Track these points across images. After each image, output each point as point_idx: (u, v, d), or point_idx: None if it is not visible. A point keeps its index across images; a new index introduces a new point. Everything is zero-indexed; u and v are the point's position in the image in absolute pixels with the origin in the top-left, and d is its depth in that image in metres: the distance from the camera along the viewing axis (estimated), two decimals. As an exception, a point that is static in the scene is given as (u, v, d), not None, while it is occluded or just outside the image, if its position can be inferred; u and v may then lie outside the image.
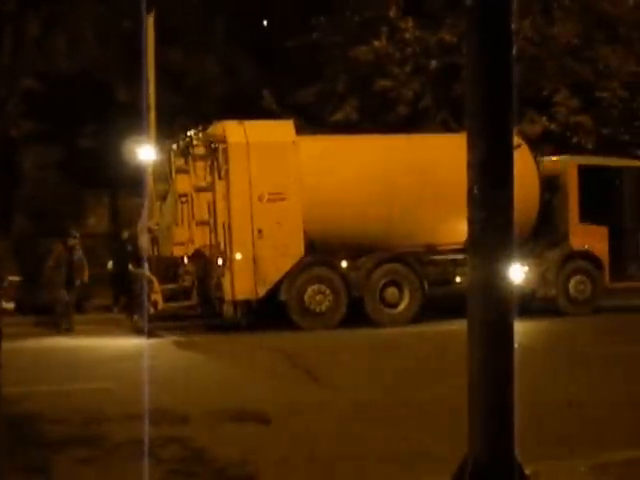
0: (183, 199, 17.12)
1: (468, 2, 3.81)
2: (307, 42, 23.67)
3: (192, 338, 16.39)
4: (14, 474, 7.27)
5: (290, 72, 24.30)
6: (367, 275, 17.22)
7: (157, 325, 16.73)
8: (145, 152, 17.81)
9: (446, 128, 22.04)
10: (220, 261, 16.43)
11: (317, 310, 16.89)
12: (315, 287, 16.93)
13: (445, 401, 9.32)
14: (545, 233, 18.71)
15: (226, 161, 16.43)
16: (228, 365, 13.51)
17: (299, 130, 17.33)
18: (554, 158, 19.93)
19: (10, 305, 20.60)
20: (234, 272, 16.25)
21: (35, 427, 9.02)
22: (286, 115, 19.98)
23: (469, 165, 3.89)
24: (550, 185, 18.96)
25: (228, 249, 16.35)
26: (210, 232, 16.76)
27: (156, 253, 17.69)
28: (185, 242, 16.94)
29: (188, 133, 17.57)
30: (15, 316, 19.68)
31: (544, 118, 22.90)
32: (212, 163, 16.68)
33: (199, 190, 16.95)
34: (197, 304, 17.85)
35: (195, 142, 17.11)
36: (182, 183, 17.09)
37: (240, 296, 16.40)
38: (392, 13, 23.11)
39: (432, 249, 17.65)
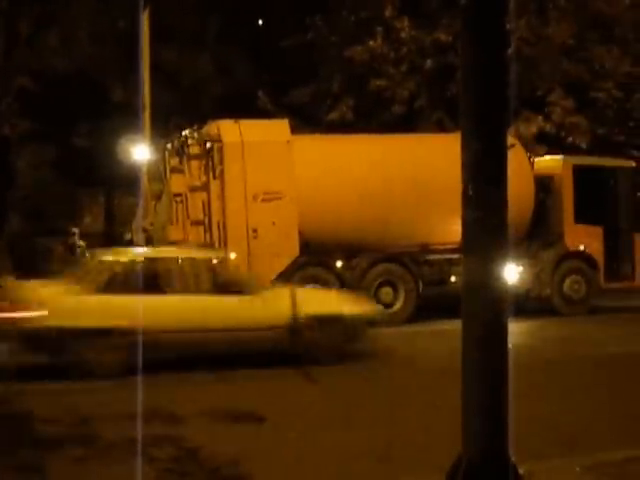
0: (178, 199, 17.11)
1: (463, 1, 3.81)
2: (302, 42, 23.67)
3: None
4: (7, 473, 7.25)
5: (285, 72, 24.31)
6: (362, 275, 17.21)
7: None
8: (140, 151, 17.79)
9: (441, 128, 22.06)
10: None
11: (312, 310, 16.86)
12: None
13: (442, 401, 9.31)
14: (540, 233, 18.72)
15: (221, 160, 16.40)
16: (223, 364, 13.47)
17: (294, 130, 17.31)
18: (549, 158, 19.94)
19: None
20: (229, 272, 16.22)
21: (28, 426, 8.99)
22: (281, 114, 19.98)
23: (463, 165, 3.89)
24: (545, 185, 18.96)
25: (223, 249, 16.32)
26: (205, 232, 16.74)
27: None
28: (180, 242, 16.92)
29: (183, 132, 17.54)
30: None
31: (539, 118, 22.92)
32: (207, 162, 16.65)
33: (194, 190, 16.92)
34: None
35: (190, 141, 17.09)
36: (177, 182, 17.07)
37: (235, 296, 16.36)
38: (388, 13, 23.11)
39: (427, 249, 17.65)
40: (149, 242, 17.68)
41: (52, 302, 11.51)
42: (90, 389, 10.78)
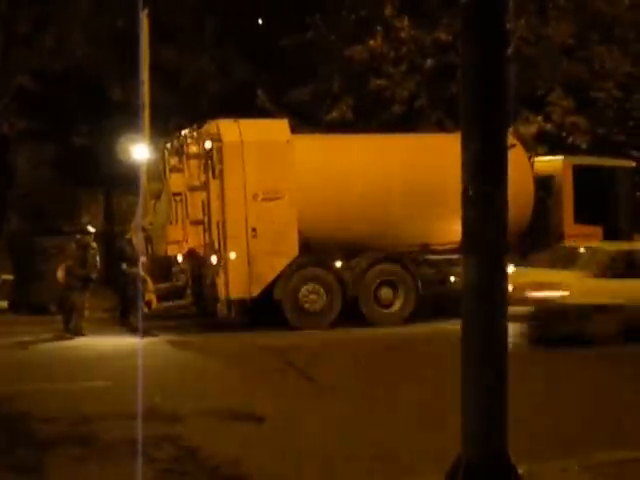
0: (177, 198, 17.09)
1: (463, 0, 3.81)
2: (302, 41, 23.63)
3: (186, 337, 16.36)
4: (6, 472, 7.25)
5: (285, 71, 24.27)
6: (361, 275, 17.20)
7: (152, 324, 16.68)
8: (139, 151, 17.75)
9: (441, 128, 22.03)
10: (214, 260, 16.41)
11: (311, 309, 16.87)
12: (309, 286, 16.91)
13: (441, 401, 9.31)
14: (539, 233, 18.70)
15: (220, 160, 16.39)
16: (222, 364, 13.49)
17: (294, 129, 17.31)
18: (549, 158, 19.92)
19: (3, 303, 20.58)
20: (228, 271, 16.22)
21: (28, 426, 8.99)
22: (281, 114, 19.96)
23: (463, 165, 3.89)
24: (545, 185, 18.96)
25: (222, 248, 16.32)
26: (204, 231, 16.73)
27: (150, 252, 17.65)
28: (179, 241, 16.91)
29: (182, 132, 17.54)
30: (8, 315, 19.68)
31: (539, 118, 22.89)
32: (206, 162, 16.64)
33: (193, 189, 16.92)
34: (191, 303, 17.82)
35: (189, 141, 17.09)
36: (176, 182, 17.06)
37: (234, 295, 16.36)
38: (387, 12, 23.09)
39: (427, 249, 17.65)
40: (148, 242, 17.66)
41: (572, 284, 14.37)
42: (89, 389, 10.78)
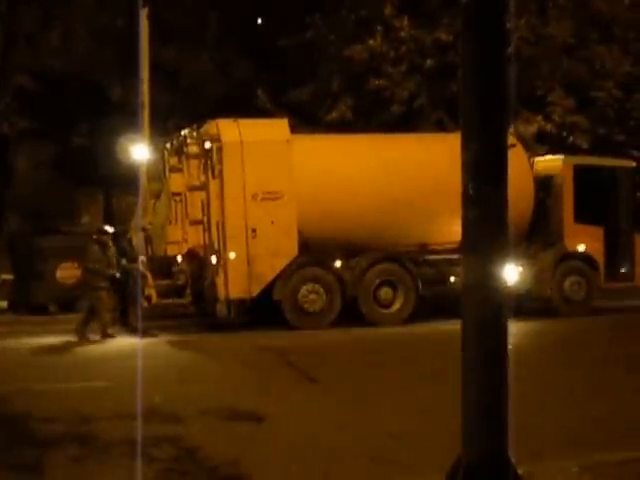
0: (177, 198, 17.09)
1: (463, 0, 3.80)
2: (302, 41, 23.64)
3: (186, 337, 16.36)
4: (6, 472, 7.24)
5: (285, 71, 24.29)
6: (361, 275, 17.20)
7: (151, 324, 16.68)
8: (139, 151, 17.74)
9: (441, 128, 22.04)
10: (214, 260, 16.41)
11: (311, 309, 16.87)
12: (309, 286, 16.90)
13: (441, 401, 9.30)
14: (540, 233, 18.70)
15: (220, 160, 16.38)
16: (222, 364, 13.48)
17: (293, 129, 17.30)
18: (549, 158, 19.92)
19: (3, 303, 20.59)
20: (228, 271, 16.22)
21: (28, 425, 8.98)
22: (280, 114, 19.96)
23: (463, 164, 3.88)
24: (545, 185, 18.96)
25: (222, 248, 16.31)
26: (204, 231, 16.73)
27: (150, 252, 17.63)
28: (179, 241, 16.91)
29: (182, 132, 17.53)
30: (8, 315, 19.69)
31: (539, 118, 22.90)
32: (206, 162, 16.65)
33: (193, 189, 16.92)
34: (190, 303, 17.81)
35: (189, 141, 17.08)
36: (176, 182, 17.06)
37: (234, 295, 16.37)
38: (387, 12, 23.09)
39: (426, 249, 17.64)
40: (148, 242, 17.65)
41: None
42: (89, 388, 10.78)
